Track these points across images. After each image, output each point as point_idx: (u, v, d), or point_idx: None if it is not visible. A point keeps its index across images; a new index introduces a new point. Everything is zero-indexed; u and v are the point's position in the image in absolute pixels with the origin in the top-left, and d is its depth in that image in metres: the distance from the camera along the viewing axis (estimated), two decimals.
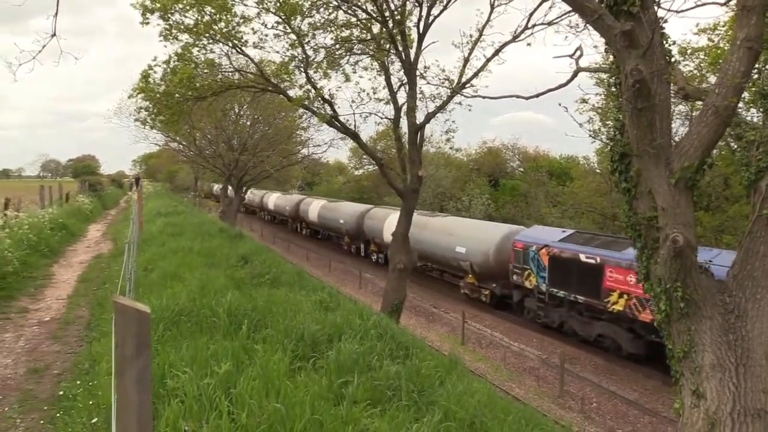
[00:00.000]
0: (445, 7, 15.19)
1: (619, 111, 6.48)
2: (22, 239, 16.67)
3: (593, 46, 16.72)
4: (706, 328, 6.08)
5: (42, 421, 6.30)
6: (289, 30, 14.17)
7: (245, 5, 13.61)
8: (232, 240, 17.92)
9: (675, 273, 5.95)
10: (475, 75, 15.28)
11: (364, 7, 14.60)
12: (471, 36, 15.38)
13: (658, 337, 13.64)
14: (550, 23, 14.21)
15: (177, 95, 14.31)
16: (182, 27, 13.58)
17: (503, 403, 7.17)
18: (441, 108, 15.80)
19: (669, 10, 6.29)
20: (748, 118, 8.24)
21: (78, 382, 6.89)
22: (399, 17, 14.78)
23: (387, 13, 14.51)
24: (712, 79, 20.34)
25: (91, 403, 5.88)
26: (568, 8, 13.02)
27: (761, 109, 6.88)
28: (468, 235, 24.93)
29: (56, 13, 6.02)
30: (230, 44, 14.30)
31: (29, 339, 9.79)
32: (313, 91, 14.83)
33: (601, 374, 16.97)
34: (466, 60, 15.39)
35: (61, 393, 6.80)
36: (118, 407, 3.16)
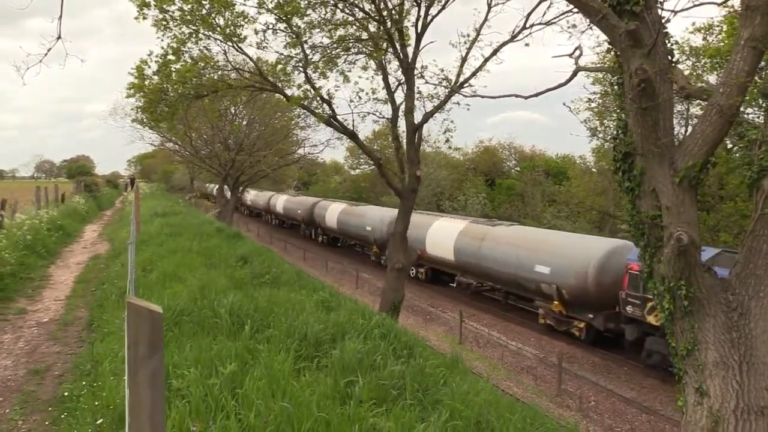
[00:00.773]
0: (444, 7, 15.19)
1: (622, 110, 6.50)
2: (19, 240, 16.61)
3: (596, 46, 16.72)
4: (709, 326, 6.11)
5: (46, 423, 6.27)
6: (288, 30, 14.14)
7: (244, 5, 13.59)
8: (230, 240, 17.89)
9: (679, 271, 5.98)
10: (473, 75, 15.28)
11: (361, 5, 14.58)
12: (468, 36, 15.37)
13: None
14: (548, 23, 14.21)
15: (172, 93, 14.26)
16: (178, 19, 13.46)
17: (507, 401, 7.19)
18: (439, 108, 15.79)
19: (671, 11, 6.30)
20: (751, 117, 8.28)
21: (83, 383, 6.86)
22: (397, 16, 14.77)
23: (385, 13, 14.50)
24: (709, 78, 20.45)
25: (96, 404, 5.85)
26: (566, 8, 13.11)
27: (763, 108, 6.92)
28: (554, 251, 19.96)
29: (60, 16, 5.99)
30: (229, 43, 14.25)
31: (29, 340, 9.75)
32: (312, 90, 14.79)
33: (599, 373, 17.02)
34: (464, 60, 15.39)
35: (66, 394, 6.77)
36: (130, 408, 3.14)
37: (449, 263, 26.48)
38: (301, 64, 14.75)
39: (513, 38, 14.75)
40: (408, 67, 15.32)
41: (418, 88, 15.78)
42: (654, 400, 15.12)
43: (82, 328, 10.43)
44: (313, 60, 14.80)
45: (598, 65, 17.19)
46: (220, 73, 15.37)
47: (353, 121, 16.03)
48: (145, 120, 16.32)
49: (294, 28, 14.21)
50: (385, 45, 15.20)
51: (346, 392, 5.99)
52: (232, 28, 13.71)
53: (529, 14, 14.29)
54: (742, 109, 7.50)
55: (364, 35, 15.22)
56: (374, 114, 16.45)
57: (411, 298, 23.97)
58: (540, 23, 14.32)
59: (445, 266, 27.32)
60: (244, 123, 35.69)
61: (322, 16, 14.71)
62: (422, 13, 15.11)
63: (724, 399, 6.01)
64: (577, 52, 10.32)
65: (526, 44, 14.93)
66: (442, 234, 26.93)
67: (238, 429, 4.93)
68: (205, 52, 14.67)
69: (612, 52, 6.76)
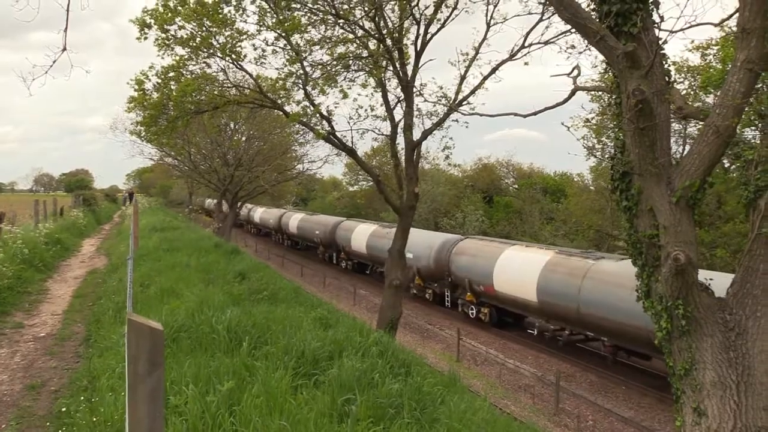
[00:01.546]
0: (443, 25, 15.36)
1: (620, 130, 6.57)
2: (16, 254, 16.58)
3: (594, 66, 16.87)
4: (707, 346, 6.12)
5: None
6: (288, 47, 14.28)
7: (244, 22, 13.74)
8: (228, 256, 17.87)
9: (676, 290, 6.01)
10: (472, 93, 15.38)
11: (361, 23, 14.73)
12: (468, 54, 15.52)
13: None
14: (546, 42, 14.36)
15: (173, 109, 14.37)
16: (180, 40, 13.67)
17: (505, 421, 7.17)
18: (438, 125, 15.89)
19: (668, 31, 6.39)
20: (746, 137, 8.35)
21: (80, 398, 6.82)
22: (397, 35, 14.92)
23: (385, 31, 14.64)
24: (706, 98, 20.60)
25: (93, 419, 5.83)
26: (565, 28, 13.25)
27: (759, 129, 6.99)
28: None
29: (66, 28, 6.07)
30: (229, 59, 14.39)
31: (25, 355, 9.70)
32: (311, 107, 14.89)
33: (597, 392, 16.96)
34: (463, 78, 15.51)
35: (62, 410, 6.73)
36: (129, 425, 3.14)
37: (529, 305, 20.86)
38: (300, 81, 14.87)
39: (512, 57, 14.88)
40: (407, 85, 15.45)
41: (417, 105, 15.92)
42: (652, 420, 15.06)
43: (80, 343, 10.38)
44: (312, 77, 14.92)
45: (597, 83, 17.31)
46: (219, 89, 15.49)
47: (352, 137, 16.16)
48: (143, 133, 16.37)
49: (294, 45, 14.35)
50: (384, 63, 15.34)
51: (343, 410, 5.97)
52: (231, 45, 13.86)
53: (528, 33, 14.45)
54: (740, 129, 7.58)
55: (364, 53, 15.36)
56: (373, 131, 16.58)
57: (408, 315, 23.89)
58: (539, 42, 14.47)
59: (520, 308, 21.82)
60: (243, 138, 35.85)
61: (322, 33, 14.89)
62: (421, 31, 15.28)
63: (722, 419, 6.01)
64: (576, 72, 10.41)
65: (525, 63, 15.07)
66: (516, 267, 21.45)
67: None
68: (205, 69, 14.82)
69: (610, 72, 6.85)
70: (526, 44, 14.54)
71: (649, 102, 5.50)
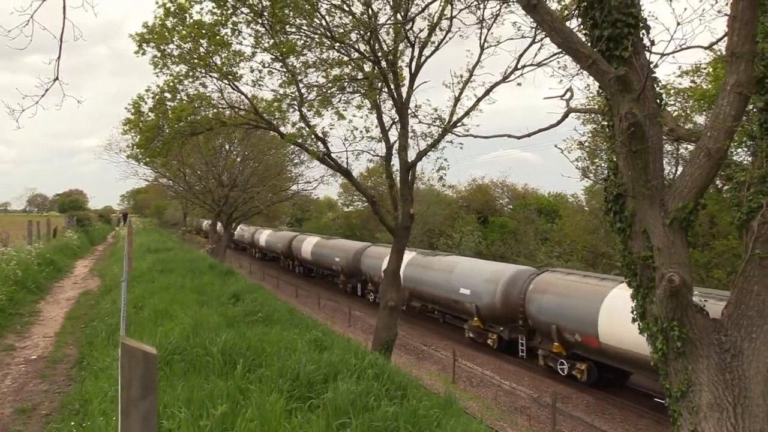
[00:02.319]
0: (437, 48, 15.48)
1: (612, 152, 6.61)
2: (9, 275, 16.48)
3: (586, 88, 17.01)
4: (703, 368, 6.11)
5: None
6: (284, 69, 14.39)
7: (240, 44, 13.85)
8: (222, 277, 17.80)
9: (671, 312, 6.00)
10: (466, 114, 15.48)
11: (356, 46, 14.86)
12: (462, 76, 15.65)
13: None
14: (539, 64, 14.52)
15: (168, 130, 14.42)
16: (176, 58, 13.77)
17: None
18: (432, 146, 15.94)
19: (659, 54, 6.47)
20: (737, 159, 8.43)
21: (71, 423, 6.74)
22: (391, 57, 15.04)
23: (380, 53, 14.77)
24: (698, 119, 20.81)
25: None
26: (557, 50, 13.39)
27: (750, 151, 7.05)
28: None
29: (59, 57, 6.07)
30: (225, 81, 14.49)
31: (16, 378, 9.60)
32: (306, 128, 14.96)
33: (593, 413, 16.85)
34: (457, 99, 15.61)
35: None
36: None
37: (646, 362, 13.78)
38: (296, 103, 14.95)
39: (505, 79, 15.02)
40: (402, 107, 15.53)
41: (411, 127, 15.97)
42: None
43: (71, 366, 10.30)
44: (308, 98, 15.00)
45: (589, 106, 17.45)
46: (215, 111, 15.56)
47: (347, 158, 16.17)
48: (140, 156, 16.40)
49: (290, 67, 14.45)
50: (379, 85, 15.45)
51: None
52: (228, 66, 13.96)
53: (521, 56, 14.61)
54: (732, 150, 7.65)
55: (359, 75, 15.47)
56: (368, 152, 16.60)
57: (403, 336, 23.71)
58: (532, 64, 14.63)
59: (635, 365, 16.57)
60: (238, 159, 35.91)
61: (318, 56, 15.01)
62: (416, 54, 15.40)
63: None
64: (568, 94, 10.52)
65: (518, 84, 15.20)
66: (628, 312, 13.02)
67: None
68: (201, 90, 14.91)
69: (602, 95, 6.91)
70: (519, 66, 14.71)
71: (641, 125, 5.55)
